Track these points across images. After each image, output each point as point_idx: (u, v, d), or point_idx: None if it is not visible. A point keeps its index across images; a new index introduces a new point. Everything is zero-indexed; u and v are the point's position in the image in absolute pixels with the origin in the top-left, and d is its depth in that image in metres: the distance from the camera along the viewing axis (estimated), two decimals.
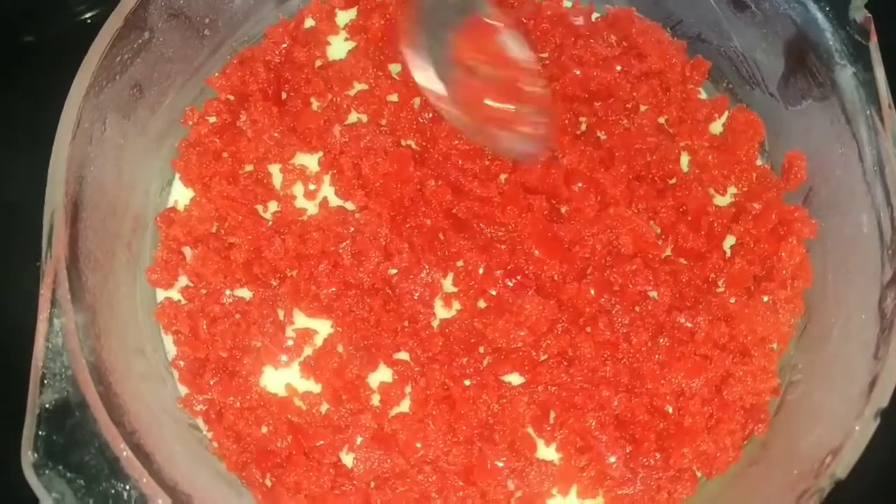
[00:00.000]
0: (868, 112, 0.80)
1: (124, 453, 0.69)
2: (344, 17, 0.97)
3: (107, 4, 1.07)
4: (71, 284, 0.72)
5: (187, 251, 0.88)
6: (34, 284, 0.74)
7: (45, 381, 0.70)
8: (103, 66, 0.78)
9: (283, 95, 0.93)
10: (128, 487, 0.68)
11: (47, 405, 0.70)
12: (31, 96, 1.04)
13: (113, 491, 0.68)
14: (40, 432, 0.69)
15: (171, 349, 0.86)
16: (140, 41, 0.81)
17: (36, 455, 0.68)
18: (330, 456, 0.81)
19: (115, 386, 0.73)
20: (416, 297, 0.86)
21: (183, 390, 0.85)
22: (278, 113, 0.91)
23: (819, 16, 0.84)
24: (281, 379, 0.85)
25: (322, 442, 0.82)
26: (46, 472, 0.68)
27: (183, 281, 0.88)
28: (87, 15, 1.12)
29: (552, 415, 0.84)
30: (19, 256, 0.88)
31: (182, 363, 0.85)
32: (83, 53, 0.77)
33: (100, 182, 0.79)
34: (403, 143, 0.92)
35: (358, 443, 0.81)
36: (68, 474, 0.68)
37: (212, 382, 0.83)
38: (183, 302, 0.87)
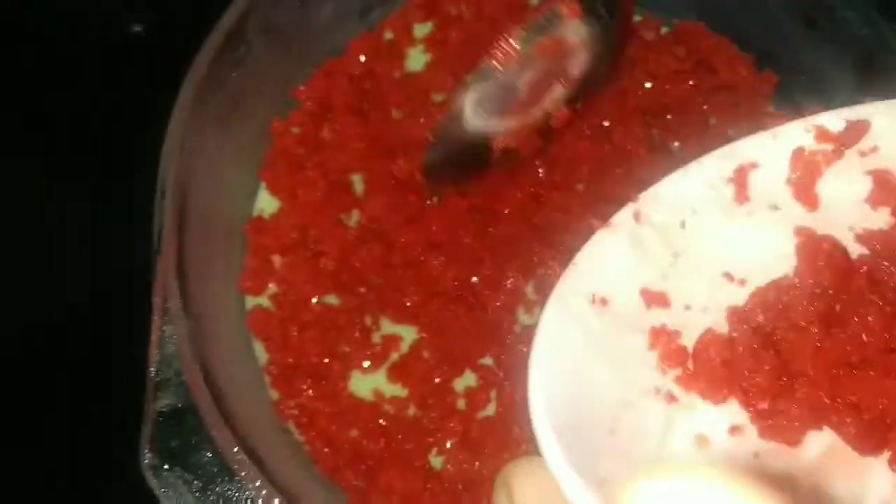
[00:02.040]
0: None
1: (239, 457, 0.71)
2: (421, 29, 1.00)
3: (151, 19, 1.10)
4: (181, 294, 0.75)
5: (276, 259, 0.91)
6: (136, 290, 0.77)
7: (160, 387, 0.73)
8: (204, 81, 0.80)
9: (365, 106, 0.95)
10: (243, 489, 0.71)
11: (162, 409, 0.72)
12: (95, 111, 1.06)
13: (228, 492, 0.71)
14: (156, 436, 0.72)
15: (262, 355, 0.89)
16: (238, 55, 0.83)
17: (154, 458, 0.71)
18: (420, 459, 0.84)
19: (222, 391, 0.76)
20: (498, 304, 0.88)
21: (275, 395, 0.87)
22: (360, 124, 0.93)
23: (889, 35, 0.87)
24: (369, 384, 0.88)
25: (411, 445, 0.84)
26: (164, 473, 0.71)
27: (272, 289, 0.90)
28: (137, 28, 1.13)
29: None
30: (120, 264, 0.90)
31: (273, 369, 0.87)
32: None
33: (199, 193, 0.81)
34: None
35: (447, 446, 0.84)
36: (185, 475, 0.71)
37: (303, 387, 0.86)
38: (273, 309, 0.89)
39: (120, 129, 1.02)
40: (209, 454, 0.72)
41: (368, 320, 0.89)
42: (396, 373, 0.87)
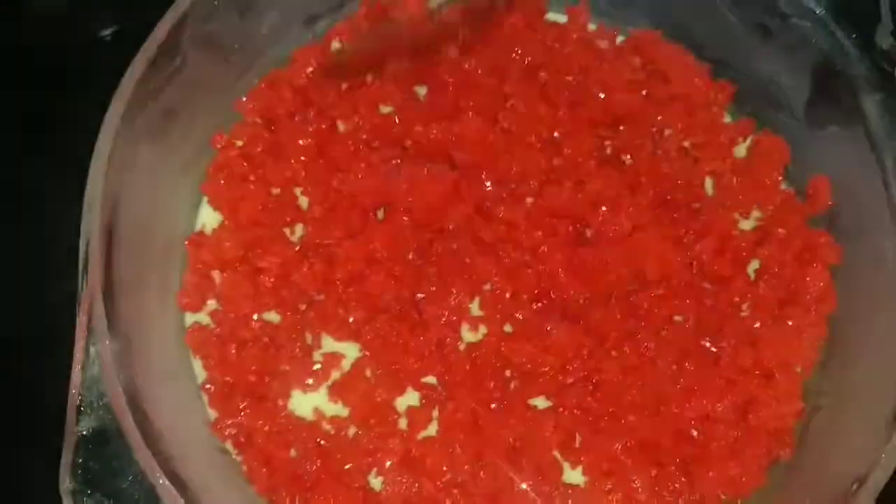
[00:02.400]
0: (894, 141, 0.80)
1: (161, 481, 0.69)
2: None
3: (124, 22, 1.09)
4: (106, 312, 0.73)
5: (216, 275, 0.89)
6: (63, 313, 0.75)
7: (82, 409, 0.71)
8: (136, 94, 0.78)
9: (310, 118, 0.93)
10: None
11: (84, 433, 0.71)
12: (55, 117, 1.04)
13: None
14: (78, 460, 0.70)
15: (201, 373, 0.87)
16: (172, 67, 0.82)
17: (74, 483, 0.69)
18: (359, 479, 0.82)
19: (150, 413, 0.74)
20: (442, 322, 0.86)
21: (213, 415, 0.85)
22: (305, 136, 0.91)
23: (845, 42, 0.84)
24: (309, 402, 0.86)
25: (350, 465, 0.82)
26: (84, 499, 0.69)
27: (212, 305, 0.88)
28: (106, 32, 1.12)
29: (578, 438, 0.84)
30: (47, 282, 0.89)
31: (211, 387, 0.85)
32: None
33: (132, 208, 0.79)
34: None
35: (387, 466, 0.82)
36: (106, 502, 0.69)
37: (241, 406, 0.84)
38: (212, 326, 0.88)
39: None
40: (131, 478, 0.70)
41: (309, 338, 0.87)
42: (337, 391, 0.85)
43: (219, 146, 0.91)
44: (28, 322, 0.94)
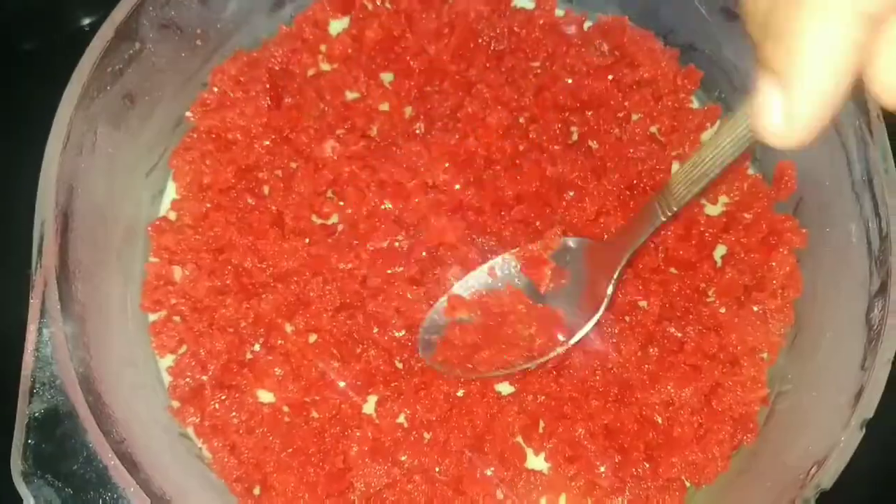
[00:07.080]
0: (857, 123, 0.79)
1: (112, 462, 0.69)
2: (337, 25, 0.98)
3: (103, 12, 1.08)
4: (60, 294, 0.73)
5: (179, 262, 0.88)
6: (24, 294, 0.75)
7: (35, 391, 0.71)
8: (94, 77, 0.78)
9: (276, 103, 0.93)
10: (116, 496, 0.69)
11: (36, 414, 0.70)
12: (30, 104, 1.04)
13: (101, 500, 0.69)
14: (29, 441, 0.69)
15: (164, 359, 0.86)
16: (131, 52, 0.81)
17: (25, 464, 0.69)
18: (323, 465, 0.81)
19: (105, 395, 0.74)
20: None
21: (174, 400, 0.85)
22: (271, 122, 0.91)
23: None
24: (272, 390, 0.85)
25: (314, 450, 0.82)
26: (35, 480, 0.69)
27: (175, 292, 0.88)
28: (85, 22, 1.13)
29: (541, 424, 0.84)
30: (9, 265, 0.88)
31: (174, 373, 0.85)
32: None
33: (90, 192, 0.79)
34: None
35: (353, 452, 0.81)
36: (57, 483, 0.69)
37: (203, 393, 0.83)
38: (175, 312, 0.87)
39: None
40: (82, 460, 0.70)
41: (273, 326, 0.86)
42: (301, 380, 0.84)
43: (194, 118, 0.91)
44: None
